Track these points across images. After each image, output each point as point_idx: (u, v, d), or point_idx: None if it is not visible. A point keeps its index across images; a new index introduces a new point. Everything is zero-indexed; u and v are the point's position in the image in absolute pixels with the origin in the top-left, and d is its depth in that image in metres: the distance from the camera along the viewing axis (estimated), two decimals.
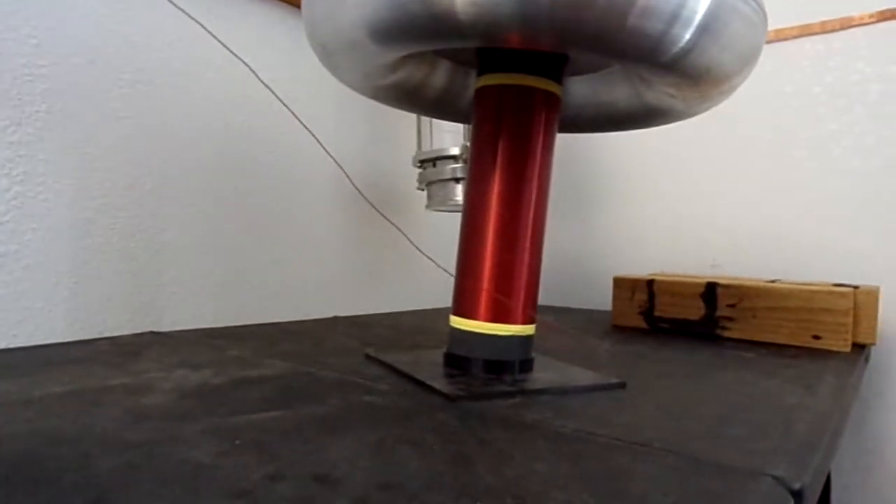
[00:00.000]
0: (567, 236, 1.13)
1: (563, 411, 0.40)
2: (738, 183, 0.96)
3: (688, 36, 0.37)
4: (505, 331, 0.48)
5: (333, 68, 0.51)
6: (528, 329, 0.49)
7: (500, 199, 0.48)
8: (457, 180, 0.79)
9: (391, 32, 0.40)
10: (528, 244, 0.48)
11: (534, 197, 0.48)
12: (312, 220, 0.83)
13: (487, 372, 0.48)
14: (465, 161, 0.79)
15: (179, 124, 0.68)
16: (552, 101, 0.49)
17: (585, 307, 1.07)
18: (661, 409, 0.42)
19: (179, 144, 0.68)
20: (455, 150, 0.79)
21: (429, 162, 0.81)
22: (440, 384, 0.44)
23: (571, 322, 0.86)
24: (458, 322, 0.49)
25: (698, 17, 0.37)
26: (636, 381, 0.49)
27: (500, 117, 0.49)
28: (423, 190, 0.85)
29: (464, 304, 0.49)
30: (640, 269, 1.04)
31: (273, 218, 0.78)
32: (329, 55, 0.48)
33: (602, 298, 1.01)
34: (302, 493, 0.26)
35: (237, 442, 0.31)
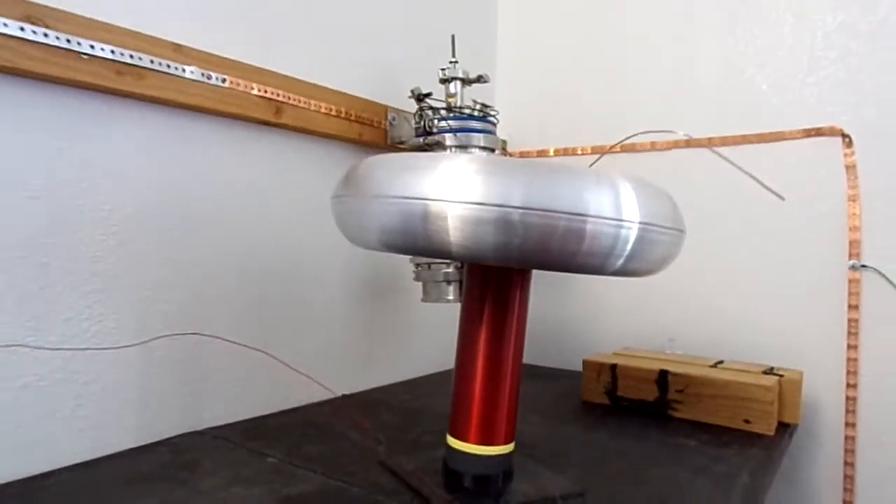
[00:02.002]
0: (548, 307, 1.27)
1: None
2: (691, 269, 1.11)
3: (620, 262, 0.51)
4: (490, 451, 0.62)
5: (360, 246, 0.64)
6: (508, 448, 0.63)
7: (485, 352, 0.61)
8: (448, 282, 0.93)
9: (402, 250, 0.54)
10: (507, 384, 0.62)
11: (512, 347, 0.62)
12: (323, 305, 0.96)
13: (476, 484, 0.61)
14: (456, 267, 0.93)
15: (217, 253, 0.81)
16: (525, 274, 0.63)
17: (562, 367, 1.22)
18: None
19: (218, 273, 0.81)
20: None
21: (424, 265, 0.94)
22: (444, 501, 0.58)
23: (547, 397, 1.00)
24: (453, 442, 0.63)
25: (627, 251, 0.51)
26: (594, 482, 0.63)
27: (486, 285, 0.62)
28: (418, 282, 0.98)
29: (458, 429, 0.63)
30: (609, 338, 1.18)
31: (290, 308, 0.91)
32: (356, 244, 0.61)
33: (575, 359, 1.16)
34: None
35: None
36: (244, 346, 0.81)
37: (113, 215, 0.70)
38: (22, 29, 0.59)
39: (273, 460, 0.68)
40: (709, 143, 1.11)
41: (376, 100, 1.02)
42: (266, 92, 0.82)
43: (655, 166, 1.16)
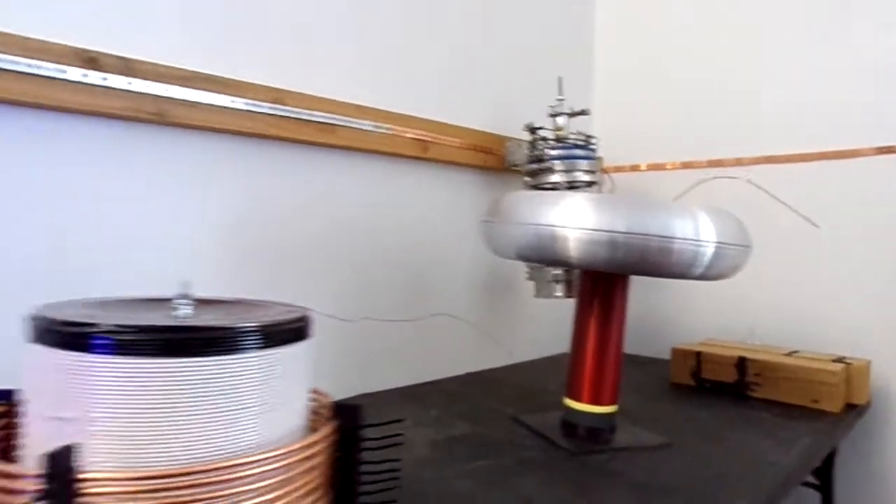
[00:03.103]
0: (642, 305, 1.45)
1: (631, 462, 0.74)
2: (771, 267, 1.26)
3: (700, 271, 0.71)
4: (598, 410, 0.82)
5: (498, 255, 0.87)
6: (612, 408, 0.83)
7: (595, 333, 0.82)
8: (557, 282, 1.14)
9: (534, 260, 0.76)
10: (612, 359, 0.82)
11: (614, 331, 0.82)
12: (453, 299, 1.20)
13: (588, 435, 0.82)
14: (564, 269, 1.13)
15: (381, 258, 1.06)
16: (626, 278, 0.83)
17: (652, 356, 1.40)
18: (690, 464, 0.75)
19: (381, 274, 1.06)
20: None
21: (537, 268, 1.16)
22: (565, 444, 0.79)
23: (640, 378, 1.19)
24: (570, 402, 0.84)
25: (705, 262, 0.70)
26: (679, 439, 0.82)
27: (596, 286, 0.83)
28: (530, 280, 1.20)
29: (574, 392, 0.84)
30: (694, 330, 1.35)
31: (428, 301, 1.15)
32: (498, 255, 0.84)
33: (663, 349, 1.33)
34: None
35: (479, 479, 0.68)
36: (482, 329, 1.06)
37: (324, 230, 0.96)
38: (272, 108, 0.85)
39: (434, 413, 0.92)
40: (787, 159, 1.25)
41: (495, 132, 1.24)
42: (417, 134, 1.06)
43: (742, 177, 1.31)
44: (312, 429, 0.46)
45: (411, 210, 1.11)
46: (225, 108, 0.81)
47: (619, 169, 1.50)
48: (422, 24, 1.11)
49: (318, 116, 0.91)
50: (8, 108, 0.66)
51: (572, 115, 1.17)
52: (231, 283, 0.86)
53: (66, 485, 0.32)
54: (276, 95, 0.87)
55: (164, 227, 0.80)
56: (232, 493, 0.39)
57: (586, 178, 1.14)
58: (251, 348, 0.41)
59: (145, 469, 0.37)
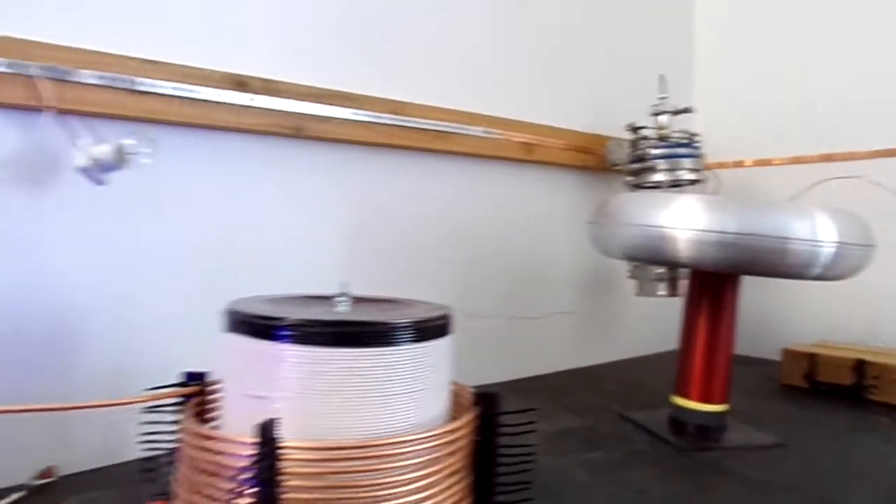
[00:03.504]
0: (751, 305, 1.42)
1: (745, 461, 0.75)
2: (892, 266, 1.20)
3: (817, 271, 0.71)
4: (708, 408, 0.83)
5: (604, 255, 0.89)
6: (722, 407, 0.84)
7: (705, 331, 0.83)
8: (660, 280, 1.14)
9: (642, 260, 0.78)
10: (722, 358, 0.83)
11: (724, 330, 0.83)
12: (555, 297, 1.23)
13: (698, 433, 0.83)
14: (667, 268, 1.14)
15: (487, 255, 1.11)
16: (737, 278, 0.83)
17: (763, 357, 1.37)
18: (807, 465, 0.75)
19: (489, 271, 1.11)
20: None
21: (640, 266, 1.17)
22: (674, 440, 0.81)
23: (750, 379, 1.17)
24: (678, 400, 0.86)
25: (824, 263, 0.70)
26: (793, 440, 0.82)
27: (706, 286, 0.84)
28: (631, 279, 1.21)
29: (683, 390, 0.85)
30: (804, 332, 1.31)
31: (530, 299, 1.19)
32: (604, 254, 0.87)
33: (770, 350, 1.30)
34: (623, 496, 0.64)
35: (594, 469, 0.71)
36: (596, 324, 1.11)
37: (438, 231, 1.03)
38: (391, 118, 0.92)
39: (540, 407, 0.96)
40: None
41: (595, 132, 1.25)
42: (523, 138, 1.10)
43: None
44: (454, 416, 0.52)
45: (515, 210, 1.15)
46: (350, 120, 0.89)
47: (721, 165, 1.47)
48: (524, 30, 1.15)
49: (433, 125, 0.97)
50: (180, 130, 0.76)
51: (675, 112, 1.17)
52: (357, 281, 0.94)
53: (273, 450, 0.39)
54: (395, 107, 0.93)
55: (302, 231, 0.88)
56: (392, 468, 0.44)
57: (690, 176, 1.14)
58: (406, 342, 0.47)
59: (320, 441, 0.43)
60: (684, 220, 0.74)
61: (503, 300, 1.14)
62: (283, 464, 0.40)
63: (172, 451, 0.50)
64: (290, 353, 0.44)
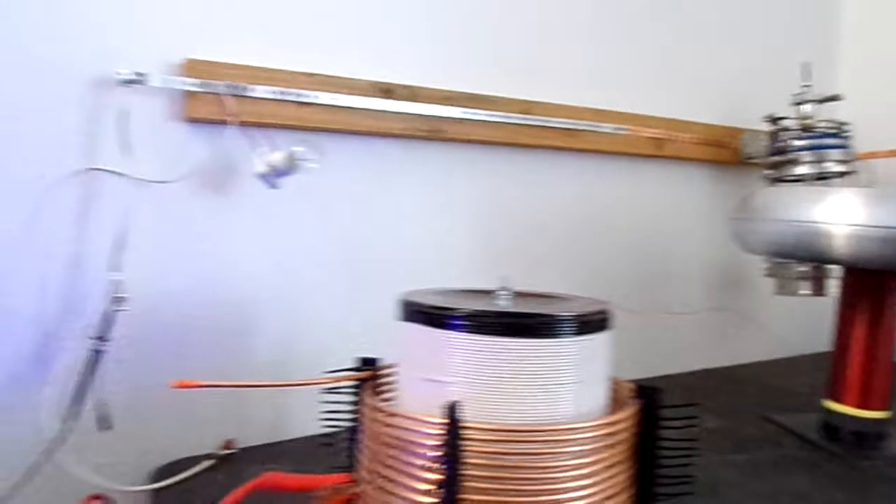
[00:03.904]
0: None
1: None
2: None
3: None
4: (868, 415, 0.79)
5: (747, 252, 0.87)
6: (882, 414, 0.79)
7: (862, 335, 0.79)
8: (803, 278, 1.08)
9: (790, 257, 0.75)
10: (881, 363, 0.78)
11: (884, 333, 0.78)
12: (688, 293, 1.20)
13: (855, 440, 0.79)
14: (812, 266, 1.08)
15: (616, 247, 1.10)
16: None
17: None
18: None
19: (620, 268, 1.11)
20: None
21: (780, 263, 1.11)
22: (828, 446, 0.77)
23: None
24: (832, 405, 0.81)
25: None
26: None
27: (864, 285, 0.79)
28: (770, 276, 1.15)
29: (838, 395, 0.81)
30: None
31: (662, 294, 1.17)
32: (747, 251, 0.84)
33: None
34: (782, 500, 0.63)
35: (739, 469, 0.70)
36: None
37: (568, 229, 1.04)
38: (521, 118, 0.95)
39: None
40: None
41: (728, 124, 1.21)
42: (653, 133, 1.09)
43: None
44: (612, 410, 0.53)
45: (645, 207, 1.14)
46: (483, 121, 0.92)
47: (872, 155, 1.36)
48: (654, 21, 1.13)
49: (562, 123, 0.99)
50: (335, 136, 0.82)
51: (822, 101, 1.10)
52: (492, 276, 0.97)
53: (457, 429, 0.43)
54: (525, 106, 0.95)
55: (437, 228, 0.93)
56: (558, 453, 0.47)
57: (838, 168, 1.07)
58: (569, 334, 0.49)
59: (492, 423, 0.46)
60: (842, 215, 0.70)
61: (631, 296, 1.13)
62: (465, 443, 0.44)
63: (349, 427, 0.55)
64: (463, 342, 0.48)
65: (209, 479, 0.68)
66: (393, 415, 0.46)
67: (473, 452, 0.44)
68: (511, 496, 0.45)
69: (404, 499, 0.46)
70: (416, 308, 0.51)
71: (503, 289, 0.55)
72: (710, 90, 1.21)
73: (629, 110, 1.07)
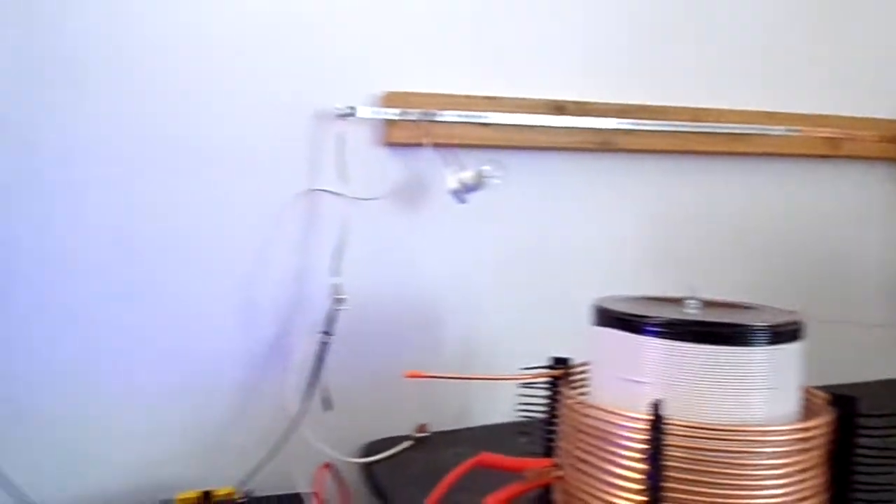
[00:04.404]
0: None
1: None
2: None
3: None
4: None
5: None
6: None
7: None
8: None
9: None
10: None
11: None
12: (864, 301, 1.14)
13: None
14: None
15: (786, 260, 1.08)
16: None
17: None
18: None
19: (791, 273, 1.08)
20: None
21: None
22: None
23: None
24: None
25: None
26: None
27: None
28: None
29: None
30: None
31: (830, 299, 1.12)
32: None
33: None
34: None
35: None
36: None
37: (736, 235, 1.04)
38: (692, 126, 0.96)
39: None
40: None
41: None
42: (827, 133, 1.05)
43: None
44: (805, 418, 0.55)
45: (818, 210, 1.10)
46: (652, 131, 0.95)
47: None
48: (819, 17, 1.09)
49: (732, 128, 0.99)
50: (512, 153, 0.90)
51: None
52: (660, 283, 1.00)
53: (661, 425, 0.48)
54: (694, 114, 0.97)
55: (606, 236, 0.97)
56: (752, 452, 0.50)
57: None
58: (762, 343, 0.52)
59: (694, 421, 0.50)
60: None
61: (805, 304, 1.09)
62: (667, 437, 0.49)
63: (544, 418, 0.62)
64: (658, 346, 0.53)
65: (409, 457, 0.79)
66: (597, 409, 0.52)
67: (674, 447, 0.49)
68: (709, 489, 0.49)
69: (605, 482, 0.52)
70: (611, 314, 0.56)
71: (692, 297, 0.59)
72: (890, 83, 1.14)
73: (801, 111, 1.04)
